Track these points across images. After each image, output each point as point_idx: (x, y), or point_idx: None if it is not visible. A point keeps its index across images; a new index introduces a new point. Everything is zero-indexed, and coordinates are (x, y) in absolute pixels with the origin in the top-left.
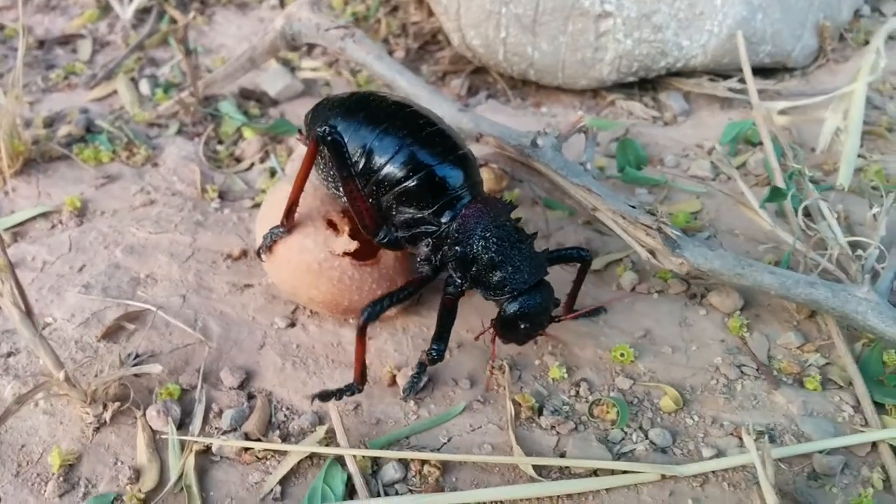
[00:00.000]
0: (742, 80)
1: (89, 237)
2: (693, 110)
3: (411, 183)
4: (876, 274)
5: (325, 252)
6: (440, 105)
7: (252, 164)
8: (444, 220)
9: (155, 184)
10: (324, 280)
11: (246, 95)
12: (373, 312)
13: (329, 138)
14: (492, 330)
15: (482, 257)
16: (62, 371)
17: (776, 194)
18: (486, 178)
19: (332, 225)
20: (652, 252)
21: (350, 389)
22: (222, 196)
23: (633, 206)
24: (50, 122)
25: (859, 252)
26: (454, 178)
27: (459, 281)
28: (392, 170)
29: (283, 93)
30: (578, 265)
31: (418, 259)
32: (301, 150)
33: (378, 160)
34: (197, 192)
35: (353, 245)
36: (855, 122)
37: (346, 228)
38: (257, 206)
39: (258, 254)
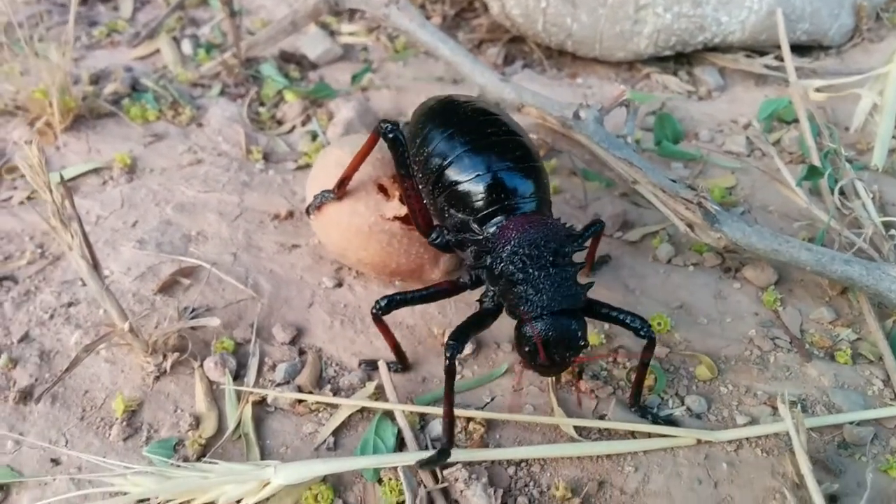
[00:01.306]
0: (778, 58)
1: (140, 194)
2: (728, 86)
3: (462, 186)
4: None
5: (376, 216)
6: (481, 74)
7: (293, 127)
8: (489, 228)
9: (201, 143)
10: (373, 242)
11: (286, 58)
12: (383, 307)
13: (390, 135)
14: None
15: (507, 270)
16: (126, 322)
17: (813, 173)
18: None
19: (382, 189)
20: (690, 225)
21: (394, 367)
22: (266, 157)
23: (674, 181)
24: (96, 80)
25: (892, 232)
26: (507, 188)
27: (492, 293)
28: (449, 171)
29: (322, 57)
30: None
31: (462, 263)
32: (341, 115)
33: (440, 159)
34: (242, 152)
35: (402, 210)
36: (890, 102)
37: (397, 193)
38: (300, 168)
39: (307, 212)
